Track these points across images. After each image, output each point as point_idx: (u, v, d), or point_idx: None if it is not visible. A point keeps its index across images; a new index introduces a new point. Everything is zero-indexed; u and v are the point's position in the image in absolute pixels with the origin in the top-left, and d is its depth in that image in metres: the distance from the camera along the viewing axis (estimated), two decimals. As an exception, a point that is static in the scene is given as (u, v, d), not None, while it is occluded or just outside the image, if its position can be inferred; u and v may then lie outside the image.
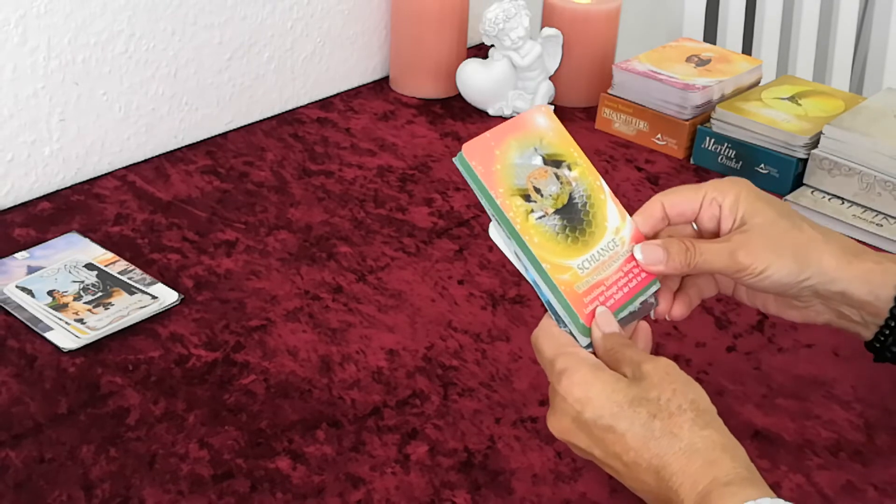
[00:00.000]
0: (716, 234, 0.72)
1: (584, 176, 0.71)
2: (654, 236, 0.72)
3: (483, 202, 0.68)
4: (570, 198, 0.69)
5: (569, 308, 0.67)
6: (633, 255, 0.70)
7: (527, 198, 0.68)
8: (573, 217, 0.69)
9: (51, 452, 0.75)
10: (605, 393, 0.63)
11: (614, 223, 0.71)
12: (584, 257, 0.69)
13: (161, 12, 1.10)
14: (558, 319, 0.68)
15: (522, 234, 0.67)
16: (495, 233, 0.69)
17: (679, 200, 0.72)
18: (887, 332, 0.71)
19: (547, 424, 0.66)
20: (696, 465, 0.59)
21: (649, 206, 0.72)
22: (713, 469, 0.59)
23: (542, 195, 0.68)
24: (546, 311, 0.69)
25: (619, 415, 0.62)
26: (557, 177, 0.69)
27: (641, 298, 0.71)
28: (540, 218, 0.68)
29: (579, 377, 0.64)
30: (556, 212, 0.69)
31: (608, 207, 0.71)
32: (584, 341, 0.67)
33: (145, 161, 1.14)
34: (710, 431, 0.61)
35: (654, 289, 0.71)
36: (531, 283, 0.68)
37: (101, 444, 0.75)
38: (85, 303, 0.89)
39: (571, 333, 0.67)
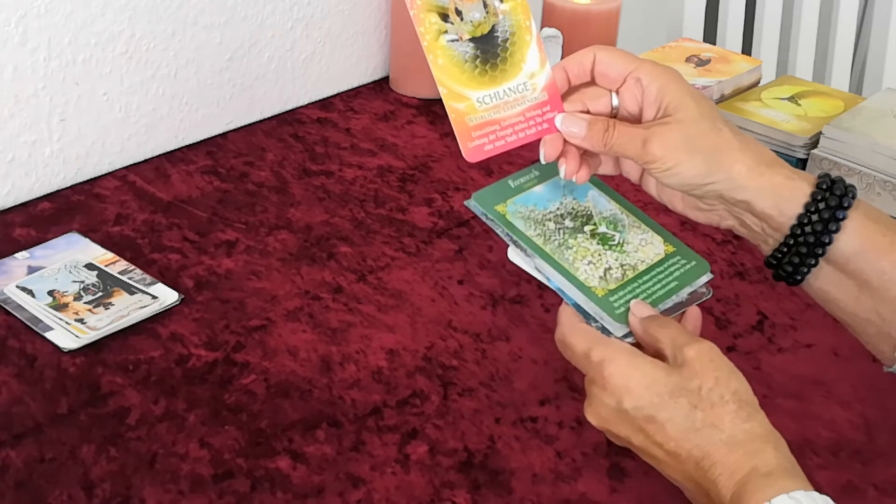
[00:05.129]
0: (636, 118, 0.71)
1: (514, 11, 0.68)
2: (571, 92, 0.71)
3: (501, 232, 0.66)
4: (493, 29, 0.67)
5: (602, 302, 0.66)
6: (540, 103, 0.68)
7: (444, 17, 0.65)
8: (489, 49, 0.67)
9: (51, 452, 0.75)
10: (645, 382, 0.62)
11: (531, 67, 0.68)
12: (488, 92, 0.67)
13: (161, 13, 1.10)
14: (588, 318, 0.67)
15: (427, 53, 0.65)
16: (514, 254, 0.68)
17: (610, 61, 0.70)
18: (785, 249, 0.69)
19: (585, 415, 0.65)
20: (736, 456, 0.59)
21: (582, 53, 0.70)
22: (753, 459, 0.59)
23: (462, 19, 0.66)
24: (558, 313, 0.67)
25: (659, 405, 0.61)
26: (485, 5, 0.67)
27: (689, 289, 0.69)
28: (452, 41, 0.66)
29: (617, 366, 0.63)
30: (472, 39, 0.66)
31: (530, 50, 0.68)
32: (620, 331, 0.66)
33: (145, 161, 1.14)
34: (753, 424, 0.61)
35: (704, 279, 0.70)
36: (556, 290, 0.67)
37: (102, 444, 0.75)
38: (85, 303, 0.89)
39: (603, 329, 0.67)
